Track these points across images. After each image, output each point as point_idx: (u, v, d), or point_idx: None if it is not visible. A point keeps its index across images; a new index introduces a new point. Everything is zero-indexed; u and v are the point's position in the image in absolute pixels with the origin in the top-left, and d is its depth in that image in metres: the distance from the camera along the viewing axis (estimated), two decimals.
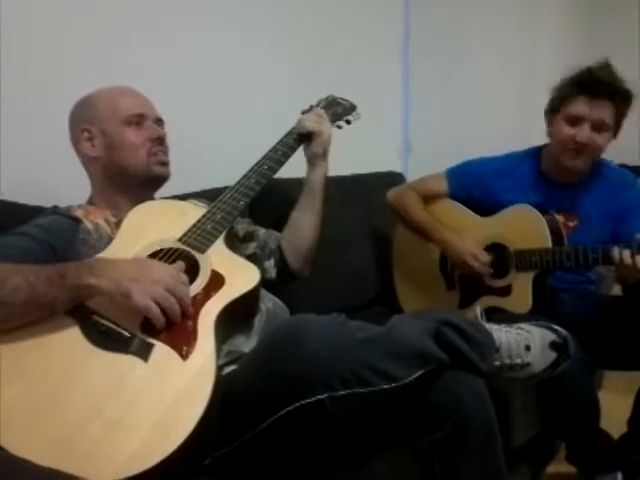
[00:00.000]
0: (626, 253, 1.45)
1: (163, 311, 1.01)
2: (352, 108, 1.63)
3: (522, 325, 1.21)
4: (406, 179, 2.34)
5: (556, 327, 1.20)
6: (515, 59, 2.54)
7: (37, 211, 1.29)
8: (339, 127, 1.60)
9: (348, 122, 1.61)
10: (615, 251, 1.48)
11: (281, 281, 1.43)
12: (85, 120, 1.33)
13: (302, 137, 1.47)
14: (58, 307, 1.00)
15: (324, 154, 1.48)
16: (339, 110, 1.61)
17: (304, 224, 1.47)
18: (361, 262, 2.08)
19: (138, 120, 1.33)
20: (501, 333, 1.17)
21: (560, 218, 1.72)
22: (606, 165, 1.78)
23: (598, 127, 1.62)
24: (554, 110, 1.71)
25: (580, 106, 1.63)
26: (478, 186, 1.83)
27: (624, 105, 1.63)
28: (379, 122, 2.61)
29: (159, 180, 1.36)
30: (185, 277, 1.09)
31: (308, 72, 2.22)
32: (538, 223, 1.66)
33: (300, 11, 2.26)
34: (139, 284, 1.00)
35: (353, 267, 2.04)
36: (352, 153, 2.07)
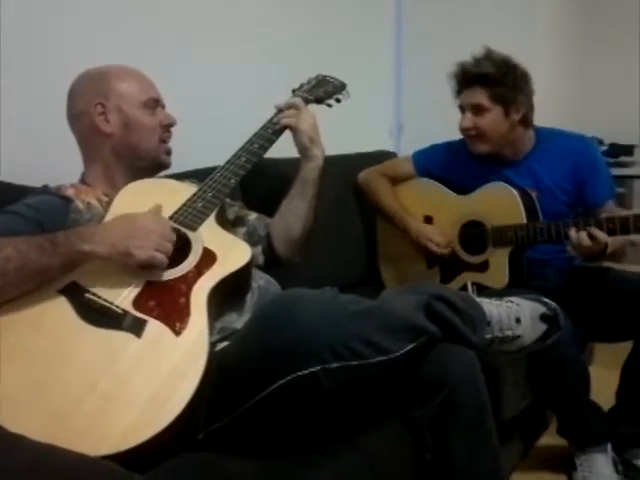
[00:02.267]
0: (582, 234, 1.53)
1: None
2: (342, 86, 1.62)
3: (512, 298, 1.22)
4: None
5: (546, 300, 1.22)
6: (509, 40, 2.54)
7: (27, 191, 1.29)
8: (329, 105, 1.59)
9: (338, 100, 1.60)
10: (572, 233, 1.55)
11: (269, 268, 1.42)
12: (101, 94, 1.31)
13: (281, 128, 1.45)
14: (51, 275, 1.01)
15: (312, 142, 1.43)
16: (329, 89, 1.60)
17: (294, 212, 1.45)
18: (353, 241, 2.09)
19: (154, 105, 1.35)
20: (492, 306, 1.18)
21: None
22: (555, 132, 1.83)
23: (477, 110, 1.74)
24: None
25: (460, 99, 1.79)
26: (440, 169, 1.92)
27: (498, 85, 1.71)
28: (371, 102, 2.61)
29: (162, 167, 1.39)
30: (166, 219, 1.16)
31: (300, 52, 2.21)
32: (512, 199, 1.70)
33: None
34: (135, 239, 1.04)
35: (343, 247, 2.04)
36: (345, 133, 2.07)
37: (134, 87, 1.33)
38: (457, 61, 1.78)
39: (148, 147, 1.34)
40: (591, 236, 1.52)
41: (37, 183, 1.32)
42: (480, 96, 1.72)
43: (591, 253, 1.56)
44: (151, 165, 1.36)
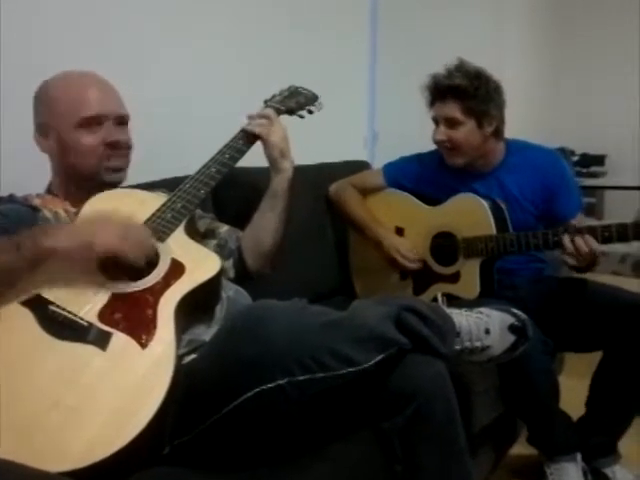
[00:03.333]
0: (566, 238, 1.54)
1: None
2: (314, 98, 1.63)
3: (482, 309, 1.23)
4: (372, 168, 2.35)
5: (515, 310, 1.22)
6: (481, 52, 2.57)
7: None
8: (301, 117, 1.59)
9: (310, 112, 1.60)
10: (565, 239, 1.54)
11: (240, 281, 1.40)
12: (42, 114, 1.29)
13: (252, 138, 1.44)
14: (16, 276, 0.99)
15: (282, 155, 1.43)
16: (301, 100, 1.60)
17: (264, 226, 1.44)
18: (325, 252, 2.09)
19: (91, 122, 1.27)
20: (461, 317, 1.19)
21: None
22: (524, 145, 1.84)
23: (451, 123, 1.74)
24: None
25: (433, 110, 1.78)
26: (411, 181, 1.92)
27: (470, 98, 1.71)
28: (345, 111, 2.61)
29: (109, 186, 1.31)
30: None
31: (272, 62, 2.21)
32: (482, 210, 1.72)
33: (267, 2, 2.25)
34: (97, 231, 1.02)
35: (316, 257, 2.04)
36: (318, 142, 2.07)
37: (71, 106, 1.26)
38: (430, 72, 1.79)
39: (88, 168, 1.28)
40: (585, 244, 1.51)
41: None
42: (453, 109, 1.72)
43: (585, 262, 1.56)
44: (97, 184, 1.29)
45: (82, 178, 1.29)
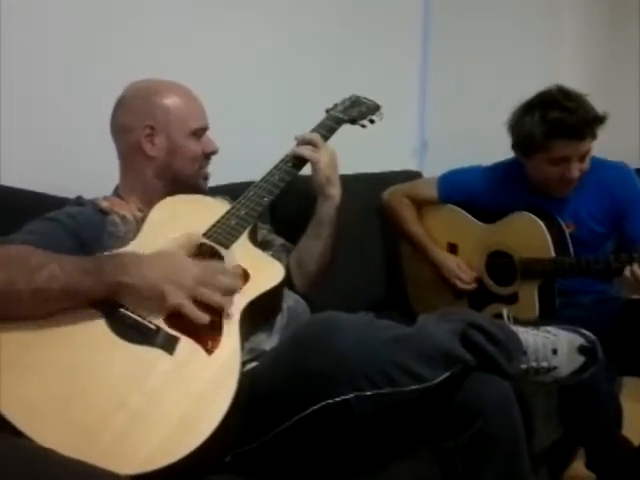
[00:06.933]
0: (627, 270, 1.46)
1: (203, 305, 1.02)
2: (376, 108, 1.62)
3: (549, 328, 1.19)
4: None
5: (584, 331, 1.18)
6: (534, 62, 2.53)
7: (55, 200, 1.31)
8: (363, 126, 1.58)
9: (372, 122, 1.59)
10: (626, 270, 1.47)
11: None
12: (152, 117, 1.31)
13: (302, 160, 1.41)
14: (92, 298, 0.99)
15: (328, 182, 1.39)
16: (363, 109, 1.59)
17: (309, 251, 1.43)
18: (374, 262, 2.07)
19: (201, 133, 1.37)
20: (528, 336, 1.16)
21: None
22: (597, 163, 1.71)
23: (584, 156, 1.63)
24: (529, 152, 1.68)
25: (565, 149, 1.61)
26: (465, 195, 1.85)
27: (601, 123, 1.61)
28: (396, 120, 2.56)
29: (198, 192, 1.39)
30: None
31: (328, 71, 2.22)
32: (539, 231, 1.66)
33: (320, 11, 2.26)
34: (172, 283, 1.01)
35: (366, 267, 2.02)
36: (368, 152, 2.06)
37: (186, 113, 1.33)
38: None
39: (189, 174, 1.35)
40: None
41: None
42: (589, 142, 1.61)
43: None
44: (188, 190, 1.36)
45: (177, 182, 1.34)
